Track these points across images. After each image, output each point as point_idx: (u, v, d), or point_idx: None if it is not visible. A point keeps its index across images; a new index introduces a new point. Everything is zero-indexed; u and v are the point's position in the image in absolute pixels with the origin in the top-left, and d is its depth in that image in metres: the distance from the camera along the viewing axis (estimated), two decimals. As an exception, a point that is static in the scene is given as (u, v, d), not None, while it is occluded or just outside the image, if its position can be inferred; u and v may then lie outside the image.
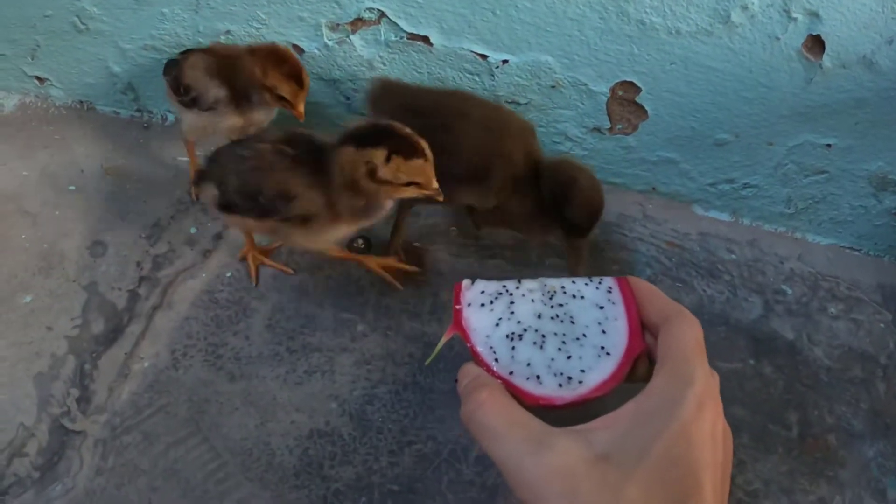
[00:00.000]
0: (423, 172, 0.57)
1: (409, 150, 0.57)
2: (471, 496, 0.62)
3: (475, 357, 0.48)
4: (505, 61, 0.72)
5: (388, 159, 0.56)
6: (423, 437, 0.65)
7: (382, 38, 0.73)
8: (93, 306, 0.71)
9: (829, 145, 0.74)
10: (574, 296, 0.51)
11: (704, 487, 0.39)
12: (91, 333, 0.69)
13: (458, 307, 0.50)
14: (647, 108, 0.74)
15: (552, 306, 0.50)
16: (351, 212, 0.61)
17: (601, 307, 0.50)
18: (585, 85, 0.73)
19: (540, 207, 0.65)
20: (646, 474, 0.38)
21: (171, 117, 0.86)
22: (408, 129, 0.57)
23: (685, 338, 0.43)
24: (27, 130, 0.84)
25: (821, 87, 0.69)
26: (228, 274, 0.73)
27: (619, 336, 0.48)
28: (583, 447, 0.40)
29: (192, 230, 0.76)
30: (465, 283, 0.52)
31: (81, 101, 0.86)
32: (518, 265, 0.76)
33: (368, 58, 0.74)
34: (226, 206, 0.64)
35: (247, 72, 0.68)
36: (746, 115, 0.73)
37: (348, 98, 0.78)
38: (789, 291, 0.79)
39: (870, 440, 0.68)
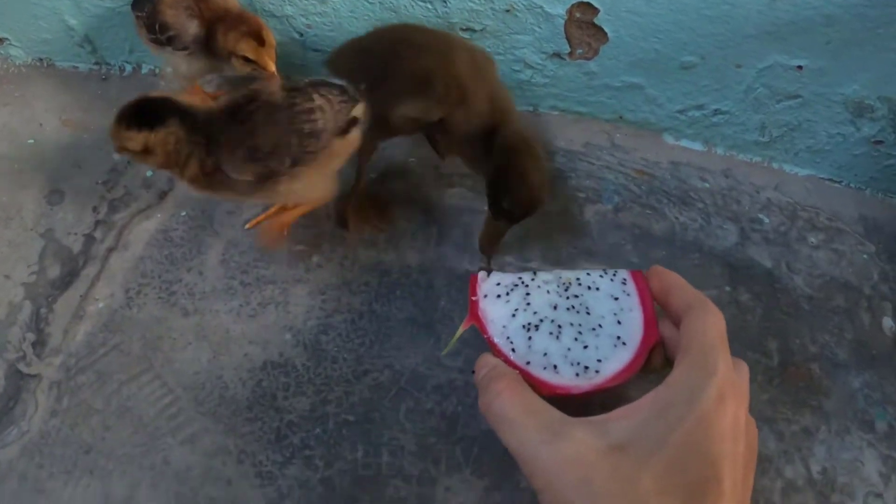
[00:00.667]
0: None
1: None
2: (430, 425, 0.60)
3: (492, 348, 0.49)
4: (456, -15, 0.70)
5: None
6: (380, 365, 0.63)
7: (331, -33, 0.71)
8: (49, 253, 0.70)
9: (799, 67, 0.71)
10: (589, 287, 0.52)
11: (723, 480, 0.38)
12: (47, 279, 0.68)
13: (474, 298, 0.51)
14: (606, 30, 0.72)
15: (568, 297, 0.51)
16: None
17: (616, 298, 0.50)
18: (541, 7, 0.71)
19: (486, 149, 0.63)
20: (662, 465, 0.38)
21: (129, 68, 0.85)
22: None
23: (707, 328, 0.43)
24: (-11, 90, 0.84)
25: (787, 2, 0.66)
26: (183, 213, 0.72)
27: (634, 326, 0.49)
28: (598, 437, 0.39)
29: (149, 173, 0.75)
30: (481, 274, 0.53)
31: (41, 59, 0.86)
32: (480, 193, 0.74)
33: (318, -10, 0.72)
34: None
35: (218, 43, 0.67)
36: (711, 34, 0.70)
37: (301, 34, 0.77)
38: (766, 220, 0.76)
39: (855, 371, 0.66)
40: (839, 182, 0.81)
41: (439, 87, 0.59)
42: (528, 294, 0.51)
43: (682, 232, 0.74)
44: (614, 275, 0.52)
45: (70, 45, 0.83)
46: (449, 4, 0.71)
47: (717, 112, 0.78)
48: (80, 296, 0.67)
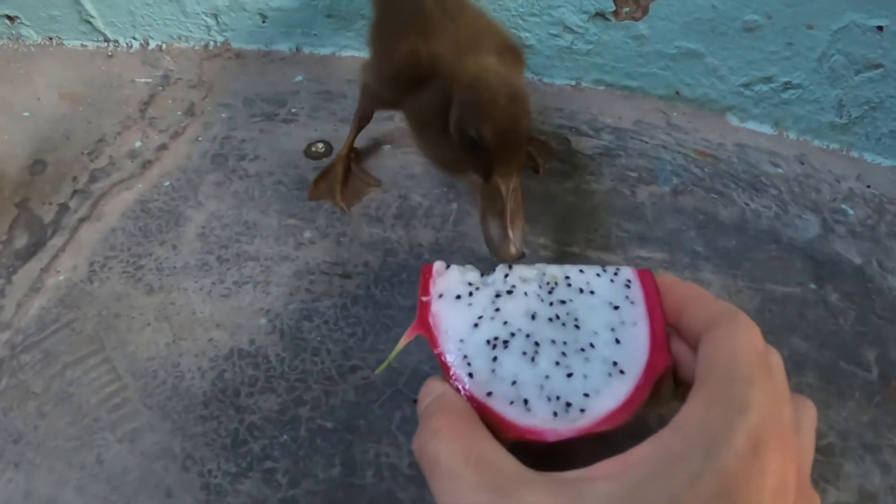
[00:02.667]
0: None
1: None
2: None
3: (443, 369, 0.36)
4: (480, -72, 0.62)
5: None
6: (372, 361, 0.52)
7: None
8: (20, 222, 0.63)
9: (879, 27, 0.60)
10: (581, 290, 0.39)
11: None
12: (13, 249, 0.61)
13: (424, 298, 0.39)
14: (657, -19, 0.62)
15: (551, 303, 0.38)
16: None
17: (616, 307, 0.38)
18: (579, -49, 0.61)
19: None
20: None
21: (135, 45, 0.79)
22: None
23: (737, 346, 0.31)
24: (-6, 69, 0.80)
25: None
26: (167, 183, 0.64)
27: (637, 347, 0.36)
28: None
29: (137, 144, 0.68)
30: (437, 266, 0.40)
31: (50, 38, 0.81)
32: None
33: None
34: None
35: None
36: None
37: (313, -4, 0.70)
38: (851, 212, 0.64)
39: (973, 387, 0.51)
40: (930, 175, 0.68)
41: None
42: (497, 296, 0.38)
43: (754, 220, 0.62)
44: (616, 273, 0.39)
45: (78, 21, 0.79)
46: (474, -48, 0.62)
47: (787, 86, 0.66)
48: (42, 268, 0.59)
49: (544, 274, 0.39)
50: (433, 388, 0.35)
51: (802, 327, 0.55)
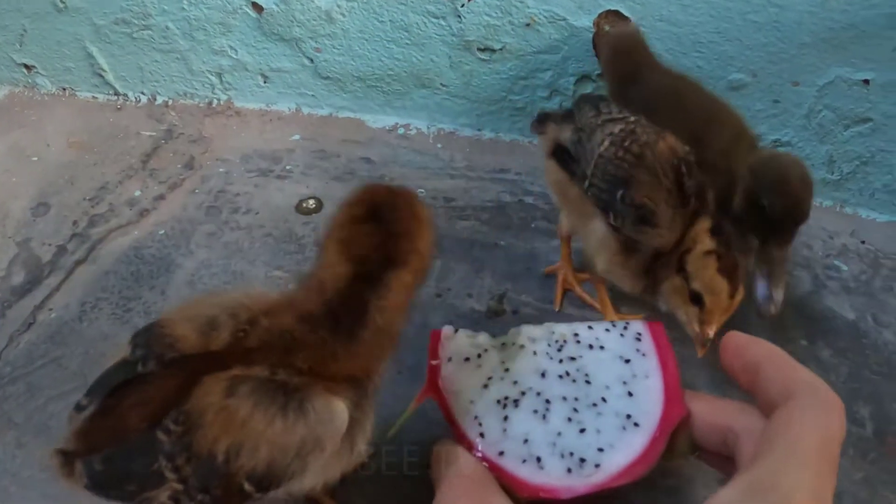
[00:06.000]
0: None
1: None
2: (404, 494, 0.48)
3: (454, 430, 0.37)
4: (469, -5, 0.66)
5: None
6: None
7: (339, -15, 0.69)
8: (19, 260, 0.66)
9: (866, 81, 0.62)
10: (591, 346, 0.40)
11: None
12: (10, 284, 0.64)
13: (434, 362, 0.39)
14: (641, 45, 0.66)
15: (561, 360, 0.39)
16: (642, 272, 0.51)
17: (627, 360, 0.39)
18: (565, 19, 0.65)
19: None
20: None
21: (143, 99, 0.84)
22: None
23: (804, 431, 0.28)
24: (9, 115, 0.84)
25: (842, 1, 0.58)
26: (161, 232, 0.67)
27: (651, 400, 0.36)
28: None
29: (137, 193, 0.71)
30: (446, 330, 0.41)
31: (64, 88, 0.86)
32: (495, 228, 0.66)
33: (326, 9, 0.70)
34: (563, 159, 0.54)
35: None
36: (760, 45, 0.62)
37: (312, 60, 0.74)
38: (844, 268, 0.65)
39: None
40: (926, 229, 0.68)
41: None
42: (506, 358, 0.39)
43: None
44: (625, 328, 0.40)
45: (90, 74, 0.83)
46: (464, 20, 0.67)
47: (777, 144, 0.68)
48: (35, 305, 0.61)
49: (553, 332, 0.40)
50: (446, 454, 0.35)
51: (788, 387, 0.56)
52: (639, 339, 0.39)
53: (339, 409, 0.35)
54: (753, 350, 0.34)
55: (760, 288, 0.51)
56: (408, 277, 0.35)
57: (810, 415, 0.29)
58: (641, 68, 0.59)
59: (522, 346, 0.39)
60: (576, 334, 0.40)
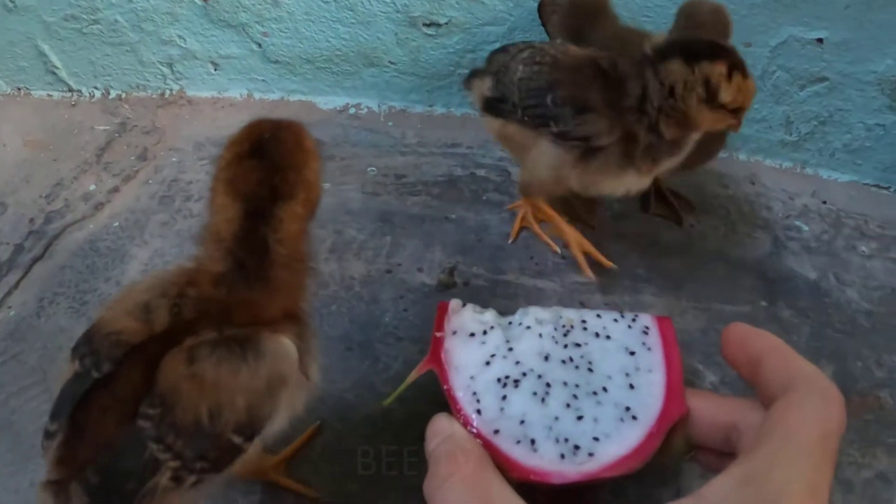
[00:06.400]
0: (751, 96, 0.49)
1: (744, 68, 0.49)
2: (351, 466, 0.50)
3: (451, 404, 0.36)
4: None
5: (729, 76, 0.48)
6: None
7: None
8: (-23, 262, 0.66)
9: (819, 40, 0.62)
10: (597, 334, 0.39)
11: None
12: (-32, 288, 0.64)
13: (438, 334, 0.39)
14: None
15: (566, 346, 0.38)
16: (646, 151, 0.51)
17: (632, 353, 0.38)
18: (511, -14, 0.65)
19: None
20: None
21: (97, 94, 0.84)
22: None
23: (801, 423, 0.28)
24: (-35, 119, 0.84)
25: None
26: (116, 224, 0.67)
27: (651, 394, 0.36)
28: None
29: (91, 187, 0.72)
30: (453, 303, 0.40)
31: (19, 88, 0.86)
32: (447, 202, 0.67)
33: (271, -9, 0.70)
34: (492, 107, 0.57)
35: None
36: None
37: (260, 45, 0.74)
38: (805, 228, 0.65)
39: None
40: (887, 188, 0.69)
41: None
42: (511, 337, 0.39)
43: (700, 240, 0.64)
44: (633, 320, 0.39)
45: (44, 72, 0.83)
46: (407, -5, 0.67)
47: None
48: (-6, 305, 0.62)
49: (560, 317, 0.40)
50: (442, 428, 0.35)
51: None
52: (646, 333, 0.38)
53: (288, 343, 0.38)
54: (756, 342, 0.34)
55: None
56: (298, 208, 0.37)
57: (809, 407, 0.29)
58: (598, 22, 0.61)
59: (529, 328, 0.39)
60: (583, 321, 0.39)
